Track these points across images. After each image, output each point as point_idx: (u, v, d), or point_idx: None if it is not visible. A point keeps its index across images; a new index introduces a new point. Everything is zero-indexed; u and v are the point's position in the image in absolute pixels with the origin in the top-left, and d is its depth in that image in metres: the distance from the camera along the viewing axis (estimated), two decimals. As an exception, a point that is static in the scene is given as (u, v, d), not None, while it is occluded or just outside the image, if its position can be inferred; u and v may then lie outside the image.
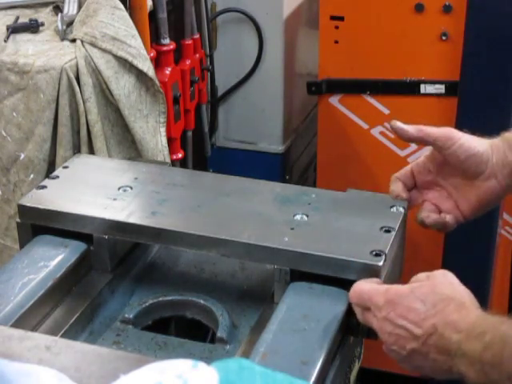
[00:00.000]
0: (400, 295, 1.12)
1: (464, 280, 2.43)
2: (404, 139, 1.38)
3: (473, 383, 1.04)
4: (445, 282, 1.13)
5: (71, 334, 1.24)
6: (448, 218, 1.34)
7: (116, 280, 1.36)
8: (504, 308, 2.42)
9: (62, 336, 1.21)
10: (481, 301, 1.13)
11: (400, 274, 1.39)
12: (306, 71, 2.68)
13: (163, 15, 2.15)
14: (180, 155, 2.27)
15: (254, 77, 2.61)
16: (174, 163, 2.21)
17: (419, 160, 1.39)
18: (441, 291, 1.11)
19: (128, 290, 1.38)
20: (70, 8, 2.06)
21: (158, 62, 2.15)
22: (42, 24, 2.05)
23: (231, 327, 1.28)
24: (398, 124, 1.36)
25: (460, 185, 1.35)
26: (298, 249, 1.24)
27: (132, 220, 1.33)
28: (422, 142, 1.36)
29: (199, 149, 2.56)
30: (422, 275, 1.15)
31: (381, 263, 1.21)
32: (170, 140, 2.15)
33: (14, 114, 1.91)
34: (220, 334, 1.26)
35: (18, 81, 1.89)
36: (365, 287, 1.17)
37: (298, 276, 1.25)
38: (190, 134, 2.42)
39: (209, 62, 2.54)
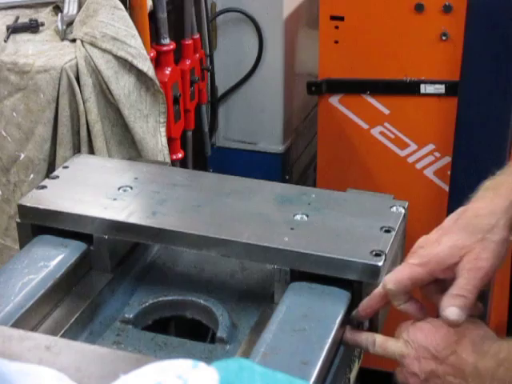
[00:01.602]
0: (429, 321, 1.14)
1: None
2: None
3: None
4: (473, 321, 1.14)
5: (71, 333, 1.24)
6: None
7: (116, 280, 1.36)
8: (504, 308, 2.42)
9: (62, 336, 1.21)
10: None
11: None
12: (306, 71, 2.68)
13: (163, 15, 2.15)
14: (180, 155, 2.26)
15: (254, 77, 2.61)
16: (173, 163, 2.21)
17: None
18: (468, 323, 1.12)
19: (128, 290, 1.38)
20: (70, 8, 2.06)
21: (158, 62, 2.15)
22: (42, 24, 2.05)
23: (231, 327, 1.28)
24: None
25: None
26: (298, 249, 1.24)
27: (132, 220, 1.33)
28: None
29: (199, 149, 2.56)
30: None
31: (381, 263, 1.21)
32: (169, 140, 2.15)
33: (14, 114, 1.91)
34: (220, 334, 1.26)
35: (18, 81, 1.89)
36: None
37: (297, 276, 1.25)
38: (189, 134, 2.42)
39: (209, 62, 2.54)
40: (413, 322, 1.17)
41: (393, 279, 1.16)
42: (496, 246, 1.11)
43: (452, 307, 1.09)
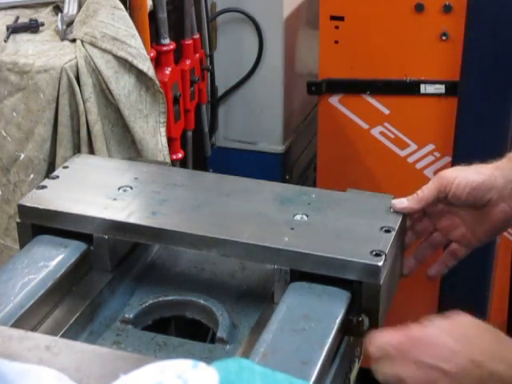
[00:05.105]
0: (424, 333, 1.07)
1: (464, 280, 2.43)
2: (413, 215, 1.36)
3: None
4: (465, 316, 1.09)
5: (71, 333, 1.24)
6: (456, 247, 1.38)
7: (116, 280, 1.36)
8: (504, 308, 2.42)
9: (62, 336, 1.21)
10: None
11: (400, 274, 1.39)
12: (306, 71, 2.68)
13: (163, 15, 2.15)
14: (180, 155, 2.27)
15: (254, 77, 2.61)
16: (173, 163, 2.21)
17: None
18: (465, 321, 1.07)
19: (128, 290, 1.38)
20: (70, 8, 2.06)
21: (158, 62, 2.15)
22: (42, 24, 2.05)
23: (231, 327, 1.28)
24: (398, 206, 1.33)
25: (472, 213, 1.32)
26: (298, 249, 1.24)
27: (132, 220, 1.33)
28: (428, 207, 1.34)
29: (199, 149, 2.56)
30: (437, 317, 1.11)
31: (381, 263, 1.21)
32: (169, 140, 2.15)
33: (14, 113, 1.91)
34: (220, 334, 1.26)
35: (18, 81, 1.89)
36: (382, 338, 1.10)
37: (298, 276, 1.25)
38: (189, 134, 2.42)
39: (209, 62, 2.54)
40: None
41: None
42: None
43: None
